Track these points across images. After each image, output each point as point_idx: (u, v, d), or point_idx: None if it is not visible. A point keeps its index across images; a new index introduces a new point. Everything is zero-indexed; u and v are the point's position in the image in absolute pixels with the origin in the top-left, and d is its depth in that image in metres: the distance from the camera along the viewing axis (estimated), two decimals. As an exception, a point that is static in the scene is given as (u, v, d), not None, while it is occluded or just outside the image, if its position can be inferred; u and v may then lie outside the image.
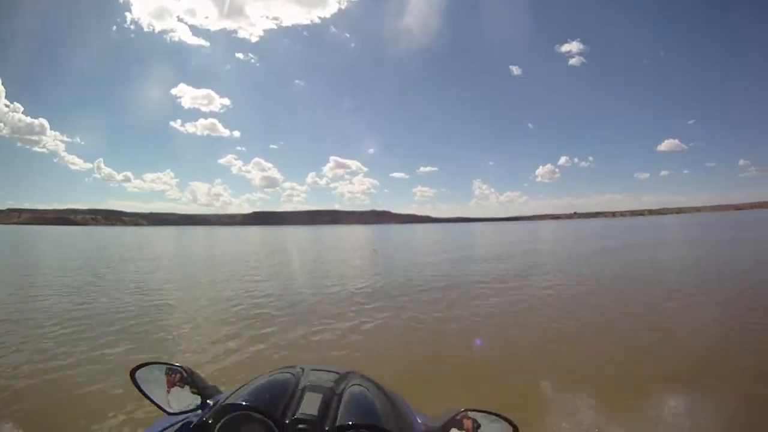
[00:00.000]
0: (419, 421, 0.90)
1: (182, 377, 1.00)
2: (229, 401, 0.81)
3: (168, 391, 0.99)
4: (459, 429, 0.82)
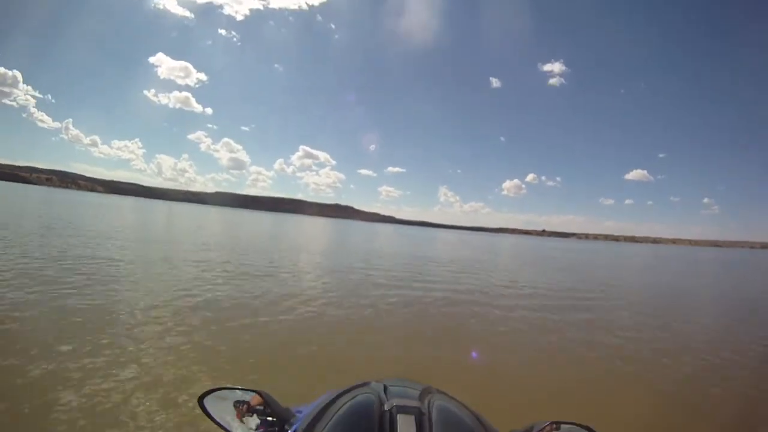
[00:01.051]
0: None
1: (255, 402, 0.94)
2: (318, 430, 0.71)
3: (240, 418, 0.93)
4: None
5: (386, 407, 0.73)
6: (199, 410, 0.95)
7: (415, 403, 0.75)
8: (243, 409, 0.93)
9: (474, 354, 6.09)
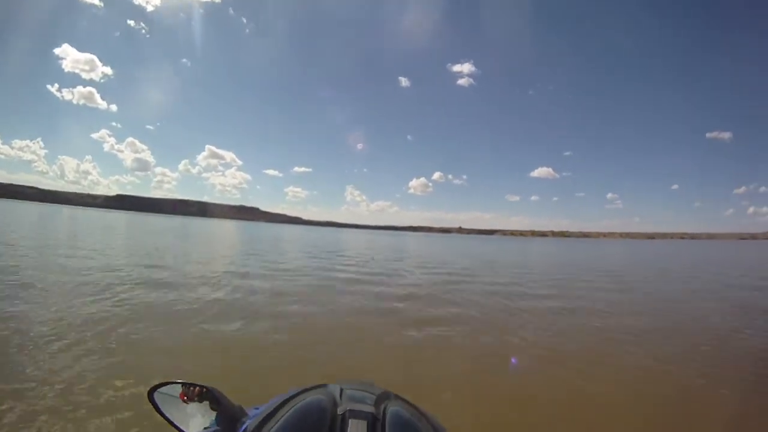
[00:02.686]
0: None
1: (206, 398, 0.95)
2: (266, 430, 0.73)
3: (189, 413, 0.95)
4: None
5: (339, 411, 0.73)
6: (148, 403, 0.96)
7: (369, 408, 0.75)
8: (193, 405, 0.95)
9: (514, 360, 6.08)
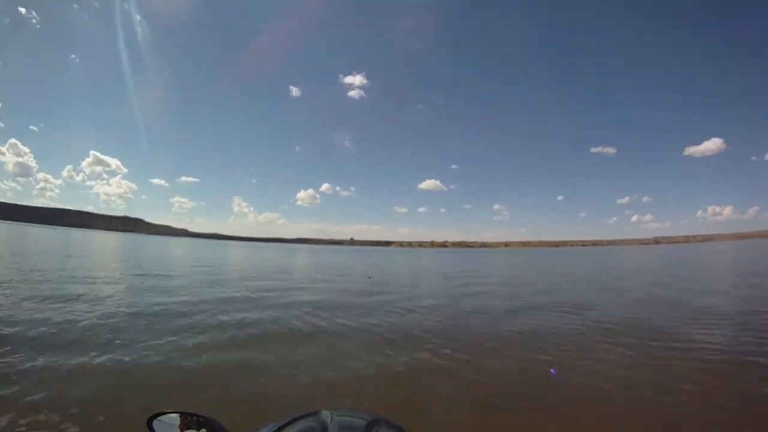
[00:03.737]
0: None
1: (200, 425, 0.97)
2: None
3: None
4: None
5: None
6: None
7: None
8: (190, 429, 0.96)
9: (553, 371, 5.82)
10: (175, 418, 1.00)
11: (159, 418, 1.01)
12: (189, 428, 0.98)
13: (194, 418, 0.98)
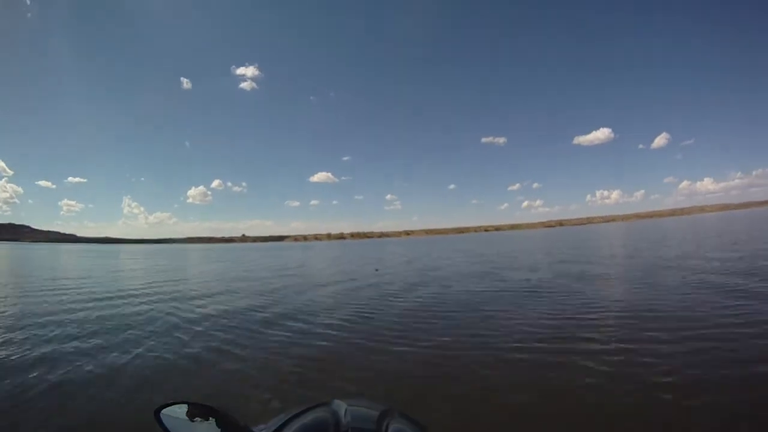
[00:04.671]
0: None
1: (209, 415, 0.94)
2: None
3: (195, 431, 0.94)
4: None
5: (341, 429, 0.75)
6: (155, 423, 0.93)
7: (371, 426, 0.77)
8: (201, 425, 0.92)
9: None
10: (183, 408, 0.96)
11: (167, 408, 0.97)
12: (198, 418, 0.94)
13: (203, 408, 0.94)
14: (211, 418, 0.92)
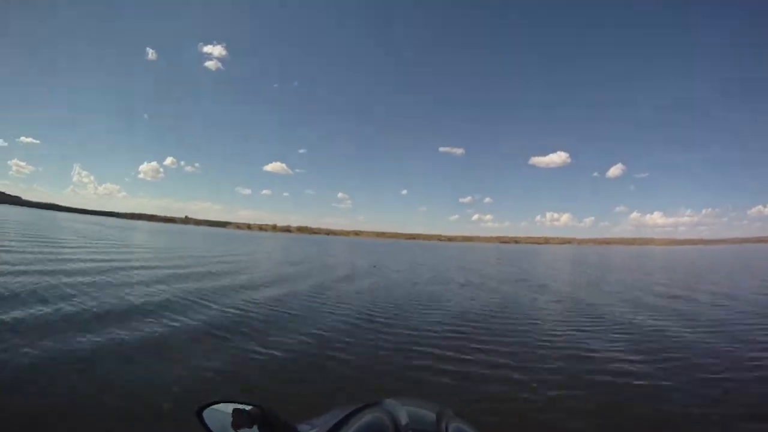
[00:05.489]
0: None
1: (257, 417, 0.90)
2: None
3: None
4: None
5: (401, 430, 0.75)
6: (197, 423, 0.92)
7: (431, 428, 0.78)
8: (244, 425, 0.90)
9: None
10: (227, 408, 0.93)
11: (210, 408, 0.96)
12: (242, 418, 0.91)
13: (247, 407, 0.92)
14: (255, 418, 0.89)
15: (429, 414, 0.84)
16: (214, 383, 4.17)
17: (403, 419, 0.77)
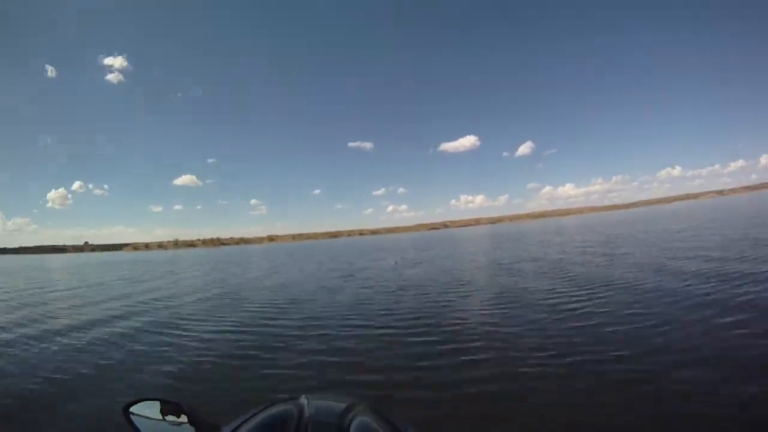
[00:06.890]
0: None
1: (179, 413, 0.93)
2: None
3: (165, 430, 0.92)
4: None
5: (303, 423, 0.73)
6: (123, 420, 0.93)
7: (334, 420, 0.75)
8: (169, 422, 0.91)
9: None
10: (154, 404, 0.95)
11: (136, 405, 0.96)
12: (166, 415, 0.92)
13: (172, 405, 0.94)
14: (180, 416, 0.90)
15: (337, 406, 0.83)
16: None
17: (310, 413, 0.77)
